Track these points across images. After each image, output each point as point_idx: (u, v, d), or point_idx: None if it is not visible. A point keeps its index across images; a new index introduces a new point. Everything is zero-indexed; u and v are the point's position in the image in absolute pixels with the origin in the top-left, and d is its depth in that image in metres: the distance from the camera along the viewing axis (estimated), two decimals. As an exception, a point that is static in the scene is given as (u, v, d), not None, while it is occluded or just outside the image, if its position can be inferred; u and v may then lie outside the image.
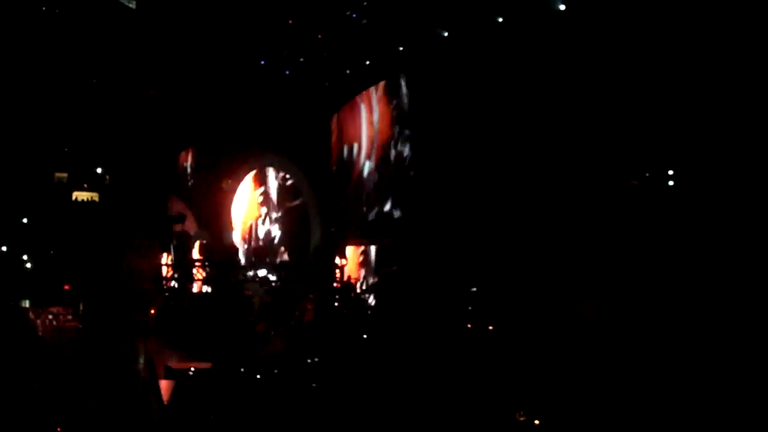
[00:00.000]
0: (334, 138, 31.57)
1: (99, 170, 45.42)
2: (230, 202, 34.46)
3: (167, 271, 30.36)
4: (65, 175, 44.58)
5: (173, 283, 30.40)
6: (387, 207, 27.14)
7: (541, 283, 20.32)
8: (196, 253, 32.77)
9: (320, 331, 24.52)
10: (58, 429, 16.27)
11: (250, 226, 34.15)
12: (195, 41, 33.44)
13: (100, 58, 36.66)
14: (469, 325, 22.13)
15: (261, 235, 33.70)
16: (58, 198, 43.83)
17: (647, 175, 19.93)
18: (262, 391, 16.85)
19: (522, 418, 15.14)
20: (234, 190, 34.34)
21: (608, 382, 15.60)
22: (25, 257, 41.59)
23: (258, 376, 17.84)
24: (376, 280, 27.78)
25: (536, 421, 15.14)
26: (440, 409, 15.25)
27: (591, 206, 19.98)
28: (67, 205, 43.92)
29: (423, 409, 15.26)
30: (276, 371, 18.38)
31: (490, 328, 21.65)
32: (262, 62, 33.75)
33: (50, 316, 34.33)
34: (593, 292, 19.13)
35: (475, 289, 23.23)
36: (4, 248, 41.65)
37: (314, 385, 17.16)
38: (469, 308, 22.75)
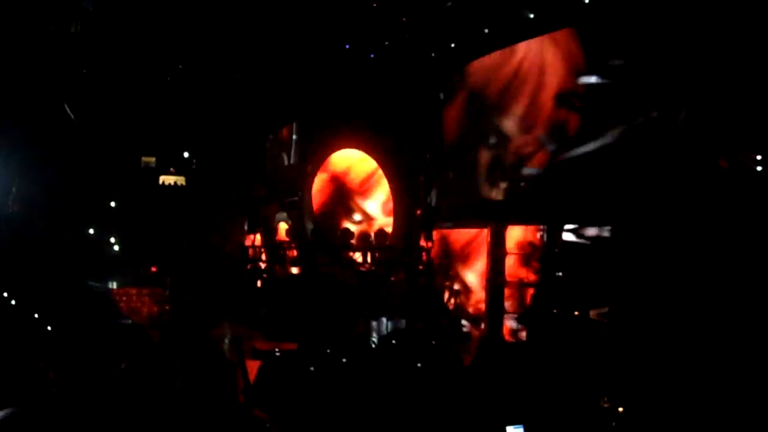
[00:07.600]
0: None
1: (186, 154, 45.94)
2: (313, 185, 34.25)
3: (252, 253, 30.29)
4: (153, 159, 45.17)
5: (261, 265, 30.43)
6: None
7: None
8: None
9: (405, 314, 24.16)
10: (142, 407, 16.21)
11: (334, 210, 33.90)
12: (279, 25, 33.34)
13: (185, 42, 36.93)
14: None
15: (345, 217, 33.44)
16: (145, 182, 44.47)
17: None
18: (348, 372, 16.55)
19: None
20: (316, 173, 34.10)
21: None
22: (112, 240, 42.22)
23: (344, 359, 17.53)
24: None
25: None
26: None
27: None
28: (154, 188, 44.54)
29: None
30: (360, 353, 18.07)
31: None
32: (347, 46, 33.44)
33: (136, 297, 34.81)
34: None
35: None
36: (91, 231, 42.34)
37: (398, 367, 16.80)
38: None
